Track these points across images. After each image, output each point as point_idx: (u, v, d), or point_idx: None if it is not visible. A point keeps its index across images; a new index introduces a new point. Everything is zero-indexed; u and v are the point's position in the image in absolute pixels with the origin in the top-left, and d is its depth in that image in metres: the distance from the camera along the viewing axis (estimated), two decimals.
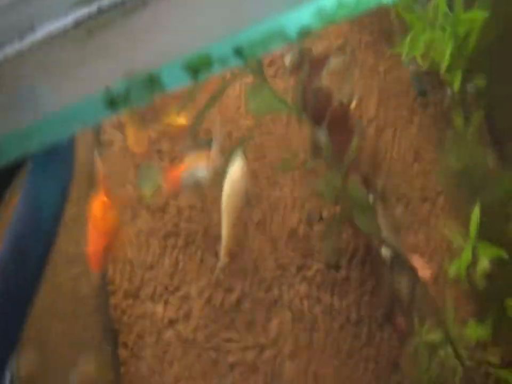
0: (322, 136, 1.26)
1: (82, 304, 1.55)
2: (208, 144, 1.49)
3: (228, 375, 1.49)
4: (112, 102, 0.60)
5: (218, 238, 1.56)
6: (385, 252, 1.26)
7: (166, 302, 1.58)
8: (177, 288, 1.59)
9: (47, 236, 0.88)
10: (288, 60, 1.59)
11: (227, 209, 1.40)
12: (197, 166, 1.48)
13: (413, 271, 1.27)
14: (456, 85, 1.40)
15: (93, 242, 1.39)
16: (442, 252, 1.53)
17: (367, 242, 1.53)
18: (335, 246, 1.50)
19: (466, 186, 1.44)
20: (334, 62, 1.45)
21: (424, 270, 1.51)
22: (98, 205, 1.41)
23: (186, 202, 1.61)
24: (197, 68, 0.59)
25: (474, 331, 1.24)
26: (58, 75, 0.62)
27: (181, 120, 1.59)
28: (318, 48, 1.57)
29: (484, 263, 1.27)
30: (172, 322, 1.56)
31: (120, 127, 1.65)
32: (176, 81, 0.60)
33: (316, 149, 1.35)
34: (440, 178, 1.52)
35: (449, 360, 1.26)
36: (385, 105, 1.66)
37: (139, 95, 0.60)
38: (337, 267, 1.56)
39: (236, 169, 1.35)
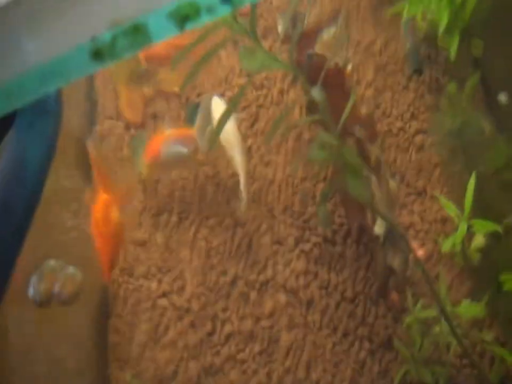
0: (318, 93, 1.21)
1: None
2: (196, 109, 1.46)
3: (222, 349, 1.47)
4: (98, 53, 0.58)
5: (211, 214, 1.55)
6: (378, 229, 1.22)
7: (160, 281, 1.56)
8: (170, 269, 1.57)
9: (32, 193, 0.85)
10: (281, 28, 1.56)
11: (237, 148, 1.42)
12: (177, 140, 1.44)
13: (406, 248, 1.22)
14: (453, 50, 1.36)
15: (99, 249, 1.33)
16: (437, 228, 1.50)
17: (361, 222, 1.50)
18: (329, 213, 1.47)
19: (461, 154, 1.40)
20: (328, 31, 1.41)
21: (418, 248, 1.48)
22: (98, 207, 1.34)
23: (180, 177, 1.59)
24: (183, 16, 0.56)
25: (469, 309, 1.20)
26: (43, 25, 0.59)
27: (172, 83, 1.55)
28: (312, 14, 1.53)
29: (479, 238, 1.23)
30: (166, 294, 1.55)
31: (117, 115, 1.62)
32: (163, 32, 0.58)
33: (311, 106, 1.31)
34: (436, 148, 1.47)
35: (443, 337, 1.23)
36: (382, 71, 1.63)
37: (125, 46, 0.58)
38: (333, 242, 1.53)
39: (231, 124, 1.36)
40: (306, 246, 1.53)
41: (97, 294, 1.52)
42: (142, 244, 1.59)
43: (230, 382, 1.45)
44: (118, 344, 1.49)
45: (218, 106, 1.40)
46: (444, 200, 1.25)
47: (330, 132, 1.22)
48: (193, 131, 1.44)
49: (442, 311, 1.14)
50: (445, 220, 1.49)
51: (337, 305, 1.48)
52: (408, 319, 1.30)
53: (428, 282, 1.17)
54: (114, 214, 1.34)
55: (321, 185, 1.59)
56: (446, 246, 1.23)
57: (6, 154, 0.85)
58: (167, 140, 1.46)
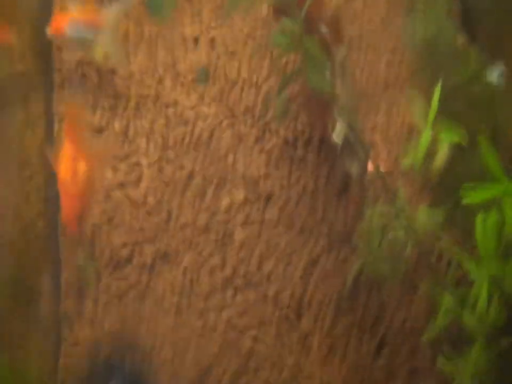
0: None
1: None
2: None
3: (177, 234, 1.46)
4: None
5: (169, 104, 1.50)
6: (336, 135, 1.18)
7: (115, 169, 1.52)
8: (127, 156, 1.52)
9: None
10: None
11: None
12: (84, 21, 1.34)
13: (365, 156, 1.20)
14: None
15: (67, 209, 1.25)
16: (400, 143, 1.47)
17: (323, 131, 1.47)
18: (287, 105, 1.43)
19: (431, 62, 1.36)
20: None
21: (378, 158, 1.46)
22: (66, 165, 1.24)
23: (139, 66, 1.52)
24: None
25: (428, 216, 1.19)
26: None
27: None
28: None
29: (443, 149, 1.21)
30: (121, 185, 1.50)
31: None
32: None
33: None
34: (407, 53, 1.43)
35: (400, 241, 1.22)
36: None
37: None
38: (294, 146, 1.50)
39: None
40: (267, 146, 1.50)
41: None
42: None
43: (184, 267, 1.44)
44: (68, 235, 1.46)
45: None
46: (411, 108, 1.21)
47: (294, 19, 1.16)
48: (103, 15, 1.36)
49: (400, 215, 1.11)
50: (409, 136, 1.47)
51: (296, 202, 1.46)
52: (368, 213, 1.29)
53: (387, 194, 1.14)
54: (84, 169, 1.26)
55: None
56: (408, 155, 1.20)
57: None
58: (72, 20, 1.36)
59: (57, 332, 1.41)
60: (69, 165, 1.23)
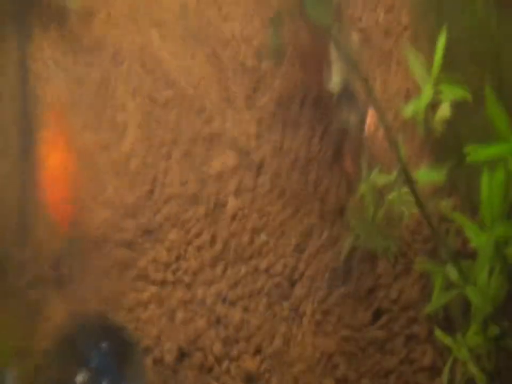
0: None
1: None
2: None
3: (162, 207, 1.39)
4: None
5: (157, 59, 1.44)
6: (333, 85, 1.09)
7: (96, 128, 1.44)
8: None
9: None
10: None
11: None
12: None
13: (363, 107, 1.11)
14: None
15: (53, 196, 1.27)
16: (400, 99, 1.41)
17: (318, 86, 1.40)
18: (281, 43, 1.35)
19: (434, 15, 1.28)
20: None
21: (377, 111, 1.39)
22: (53, 157, 1.19)
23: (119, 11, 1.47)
24: None
25: (429, 174, 1.12)
26: None
27: None
28: None
29: (445, 108, 1.13)
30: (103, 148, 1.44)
31: None
32: None
33: None
34: (407, 8, 1.35)
35: (397, 206, 1.15)
36: None
37: None
38: (287, 106, 1.43)
39: None
40: (259, 105, 1.43)
41: None
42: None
43: (170, 242, 1.38)
44: None
45: None
46: (412, 59, 1.13)
47: None
48: None
49: (403, 172, 1.02)
50: (409, 92, 1.40)
51: (289, 170, 1.40)
52: (362, 186, 1.22)
53: (389, 142, 1.03)
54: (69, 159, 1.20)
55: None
56: (408, 110, 1.13)
57: None
58: None
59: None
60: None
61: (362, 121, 1.09)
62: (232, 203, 1.37)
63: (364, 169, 1.20)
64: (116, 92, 1.43)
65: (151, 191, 1.39)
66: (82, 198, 1.38)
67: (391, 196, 1.14)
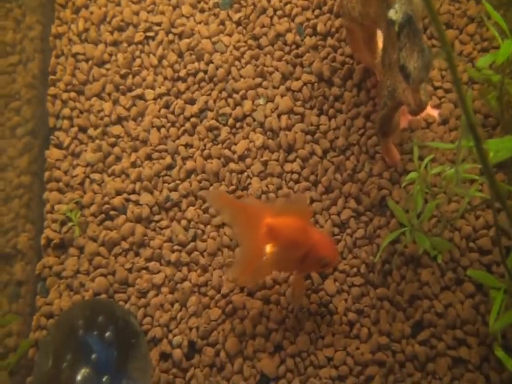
0: None
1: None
2: None
3: (184, 180, 1.26)
4: None
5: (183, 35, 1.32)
6: (393, 14, 0.88)
7: (115, 101, 1.32)
8: (129, 89, 1.32)
9: None
10: None
11: None
12: None
13: (427, 49, 0.90)
14: None
15: None
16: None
17: (368, 62, 1.24)
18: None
19: None
20: None
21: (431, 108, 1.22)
22: None
23: None
24: None
25: (502, 145, 0.91)
26: None
27: None
28: None
29: None
30: (121, 119, 1.32)
31: None
32: None
33: None
34: None
35: (456, 186, 0.94)
36: None
37: None
38: (330, 82, 1.26)
39: None
40: (296, 84, 1.27)
41: None
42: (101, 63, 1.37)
43: (186, 219, 1.23)
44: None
45: None
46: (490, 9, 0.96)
47: None
48: None
49: (472, 132, 0.75)
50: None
51: (324, 154, 1.23)
52: (410, 176, 1.03)
53: (458, 95, 0.76)
54: None
55: (324, 17, 1.32)
56: (482, 62, 0.95)
57: None
58: None
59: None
60: None
61: (427, 63, 0.87)
62: (255, 186, 1.22)
63: (415, 152, 1.01)
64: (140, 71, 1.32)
65: (171, 166, 1.27)
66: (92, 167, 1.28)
67: (449, 172, 0.95)
